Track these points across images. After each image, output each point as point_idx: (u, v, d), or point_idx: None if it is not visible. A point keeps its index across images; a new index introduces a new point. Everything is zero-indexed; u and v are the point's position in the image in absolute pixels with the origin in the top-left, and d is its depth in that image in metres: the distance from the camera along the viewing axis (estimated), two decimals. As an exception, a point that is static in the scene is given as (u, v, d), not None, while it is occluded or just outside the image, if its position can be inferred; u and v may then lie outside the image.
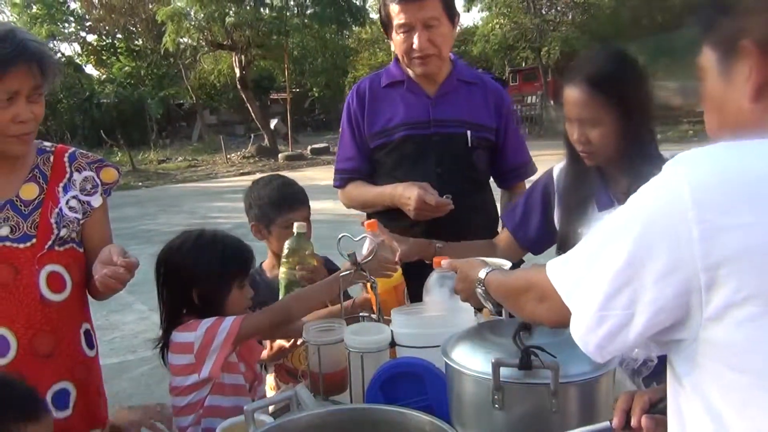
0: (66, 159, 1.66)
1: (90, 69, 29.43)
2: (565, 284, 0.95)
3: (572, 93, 1.67)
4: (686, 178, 0.81)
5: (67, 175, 1.64)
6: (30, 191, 1.59)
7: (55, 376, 1.56)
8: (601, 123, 1.64)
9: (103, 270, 1.44)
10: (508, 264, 1.67)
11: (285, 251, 1.84)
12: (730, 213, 0.78)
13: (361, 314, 1.78)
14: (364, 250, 1.72)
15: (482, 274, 1.29)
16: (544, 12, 25.90)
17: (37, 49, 1.48)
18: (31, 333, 1.52)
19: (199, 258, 1.65)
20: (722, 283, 0.78)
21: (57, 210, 1.59)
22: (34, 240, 1.55)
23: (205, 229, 1.75)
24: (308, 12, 21.11)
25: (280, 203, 2.01)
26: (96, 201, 1.67)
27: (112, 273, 1.42)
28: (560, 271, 0.97)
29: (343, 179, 2.26)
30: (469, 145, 2.17)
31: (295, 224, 1.85)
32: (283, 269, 1.85)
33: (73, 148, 1.71)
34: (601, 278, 0.88)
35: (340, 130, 2.32)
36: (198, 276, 1.64)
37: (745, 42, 0.89)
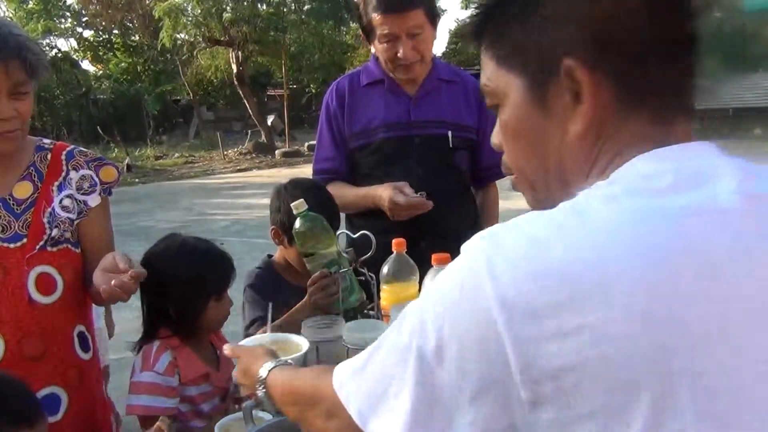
0: (63, 157, 1.62)
1: (86, 65, 29.35)
2: (356, 402, 0.73)
3: None
4: (489, 271, 0.61)
5: (63, 174, 1.60)
6: (24, 190, 1.55)
7: (44, 380, 1.52)
8: None
9: (110, 280, 1.40)
10: (305, 346, 1.41)
11: (301, 241, 1.67)
12: (548, 317, 0.58)
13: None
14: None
15: (264, 371, 1.04)
16: (541, 9, 25.88)
17: (17, 45, 1.41)
18: (19, 335, 1.48)
19: (178, 267, 1.63)
20: (549, 400, 0.59)
21: (50, 209, 1.55)
22: (24, 240, 1.51)
23: (188, 237, 1.73)
24: (306, 8, 21.04)
25: (286, 216, 1.88)
26: (93, 200, 1.63)
27: (120, 284, 1.39)
28: (350, 384, 0.75)
29: (323, 180, 2.20)
30: (451, 146, 2.16)
31: (293, 204, 1.68)
32: (308, 264, 1.70)
33: (72, 146, 1.67)
34: (402, 397, 0.67)
35: (318, 129, 2.30)
36: (175, 287, 1.62)
37: (570, 62, 0.68)
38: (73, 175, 1.61)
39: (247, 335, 1.89)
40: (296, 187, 1.93)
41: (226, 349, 1.25)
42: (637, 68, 0.68)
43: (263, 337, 1.34)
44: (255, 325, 1.84)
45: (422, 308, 0.67)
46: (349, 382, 0.76)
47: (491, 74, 0.76)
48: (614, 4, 0.67)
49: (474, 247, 0.64)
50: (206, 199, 12.35)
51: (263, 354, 1.12)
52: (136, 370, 1.63)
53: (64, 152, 1.63)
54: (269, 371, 1.04)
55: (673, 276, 0.58)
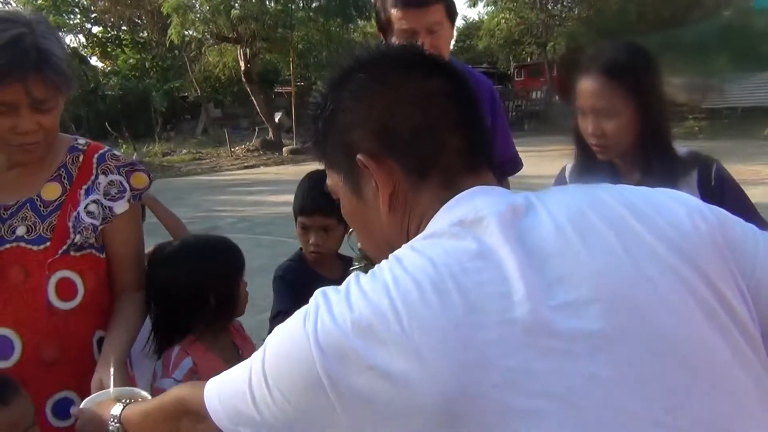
0: (95, 160, 1.57)
1: (95, 61, 29.46)
2: (220, 419, 0.86)
3: (588, 83, 1.65)
4: (313, 320, 0.76)
5: (92, 178, 1.55)
6: (52, 191, 1.51)
7: (58, 385, 1.50)
8: (618, 114, 1.62)
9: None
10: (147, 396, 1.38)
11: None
12: (352, 357, 0.71)
13: None
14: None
15: (116, 409, 1.16)
16: (549, 7, 25.78)
17: (38, 61, 1.32)
18: (37, 338, 1.46)
19: (211, 265, 1.67)
20: (366, 426, 0.72)
21: (75, 213, 1.51)
22: (48, 243, 1.47)
23: (190, 237, 1.79)
24: (314, 5, 21.06)
25: (302, 206, 1.95)
26: (120, 207, 1.57)
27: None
28: (216, 403, 0.87)
29: None
30: None
31: None
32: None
33: (106, 149, 1.62)
34: (261, 424, 0.80)
35: None
36: (214, 282, 1.65)
37: (360, 157, 0.86)
38: (101, 179, 1.56)
39: (271, 327, 1.91)
40: (310, 178, 1.99)
41: (74, 412, 1.29)
42: (414, 149, 0.85)
43: (107, 393, 1.30)
44: (279, 317, 1.85)
45: (269, 339, 0.82)
46: (215, 400, 0.87)
47: (328, 177, 0.95)
48: (387, 104, 0.86)
49: (312, 299, 0.79)
50: (213, 196, 12.38)
51: (109, 401, 1.22)
52: (157, 376, 1.62)
53: (96, 155, 1.58)
54: (123, 407, 1.16)
55: (447, 318, 0.70)
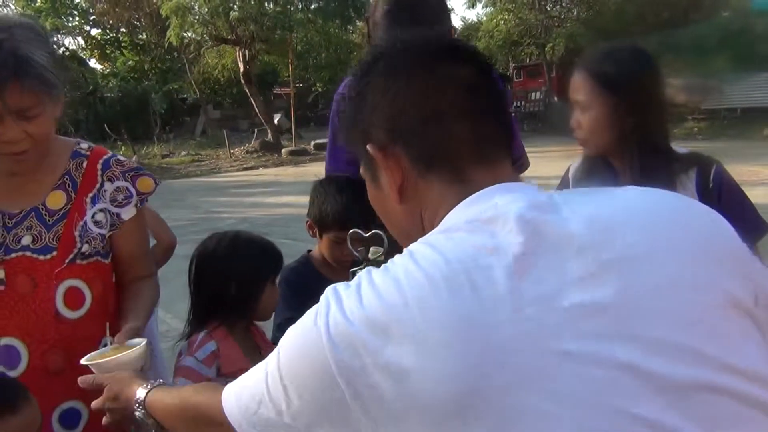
0: (99, 166, 1.56)
1: (93, 63, 29.46)
2: (239, 423, 0.87)
3: (574, 77, 1.74)
4: (325, 316, 0.75)
5: (98, 185, 1.54)
6: (57, 200, 1.50)
7: (64, 394, 1.48)
8: (590, 107, 1.69)
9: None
10: (142, 341, 1.43)
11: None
12: (365, 353, 0.70)
13: None
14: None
15: (141, 393, 1.16)
16: (548, 8, 25.80)
17: (16, 70, 1.29)
18: (44, 348, 1.45)
19: (236, 261, 1.69)
20: (384, 423, 0.71)
21: (81, 223, 1.50)
22: (54, 253, 1.46)
23: (238, 231, 1.81)
24: (312, 7, 21.08)
25: (340, 220, 1.89)
26: (127, 213, 1.57)
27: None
28: (234, 408, 0.88)
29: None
30: None
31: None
32: None
33: (109, 154, 1.61)
34: (263, 412, 0.81)
35: (330, 126, 2.27)
36: (234, 278, 1.67)
37: (369, 147, 0.87)
38: (107, 186, 1.55)
39: (277, 332, 1.91)
40: (330, 183, 1.97)
41: (83, 384, 1.28)
42: (419, 137, 0.85)
43: (105, 349, 1.37)
44: (285, 323, 1.85)
45: (282, 340, 0.81)
46: (232, 403, 0.88)
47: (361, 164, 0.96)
48: (394, 94, 0.85)
49: (323, 297, 0.78)
50: (213, 198, 12.37)
51: (131, 378, 1.22)
52: (182, 356, 1.66)
53: (101, 161, 1.57)
54: (147, 393, 1.15)
55: (459, 315, 0.69)
